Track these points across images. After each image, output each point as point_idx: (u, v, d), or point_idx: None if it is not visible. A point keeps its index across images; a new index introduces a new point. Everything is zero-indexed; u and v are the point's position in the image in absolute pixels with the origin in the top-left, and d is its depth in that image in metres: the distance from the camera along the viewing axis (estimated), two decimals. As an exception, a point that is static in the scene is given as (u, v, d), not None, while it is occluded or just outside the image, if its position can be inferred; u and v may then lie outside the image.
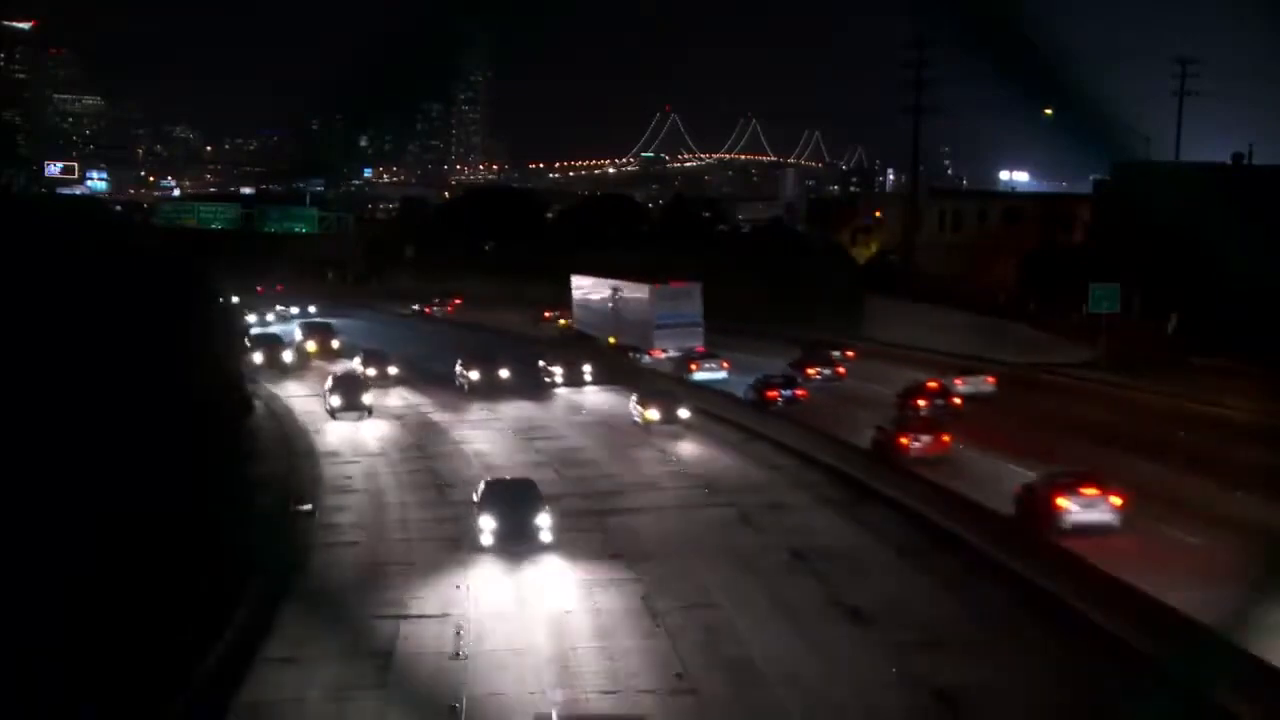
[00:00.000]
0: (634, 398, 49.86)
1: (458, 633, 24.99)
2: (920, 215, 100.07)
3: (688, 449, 44.86)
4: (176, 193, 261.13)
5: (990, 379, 54.05)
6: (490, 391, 57.23)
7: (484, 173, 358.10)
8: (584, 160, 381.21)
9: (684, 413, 47.57)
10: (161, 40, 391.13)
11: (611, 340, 73.05)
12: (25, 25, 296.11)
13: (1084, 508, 30.45)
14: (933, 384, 49.99)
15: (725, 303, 79.73)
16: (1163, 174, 67.83)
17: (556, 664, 23.18)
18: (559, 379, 60.64)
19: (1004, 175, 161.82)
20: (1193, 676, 19.18)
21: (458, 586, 28.14)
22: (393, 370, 62.51)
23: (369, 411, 51.66)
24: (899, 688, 21.90)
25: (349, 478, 40.90)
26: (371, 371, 60.98)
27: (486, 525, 30.81)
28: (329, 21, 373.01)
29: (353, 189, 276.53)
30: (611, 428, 49.26)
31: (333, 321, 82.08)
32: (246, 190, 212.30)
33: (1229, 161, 77.26)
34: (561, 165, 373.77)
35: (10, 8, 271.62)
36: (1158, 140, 79.82)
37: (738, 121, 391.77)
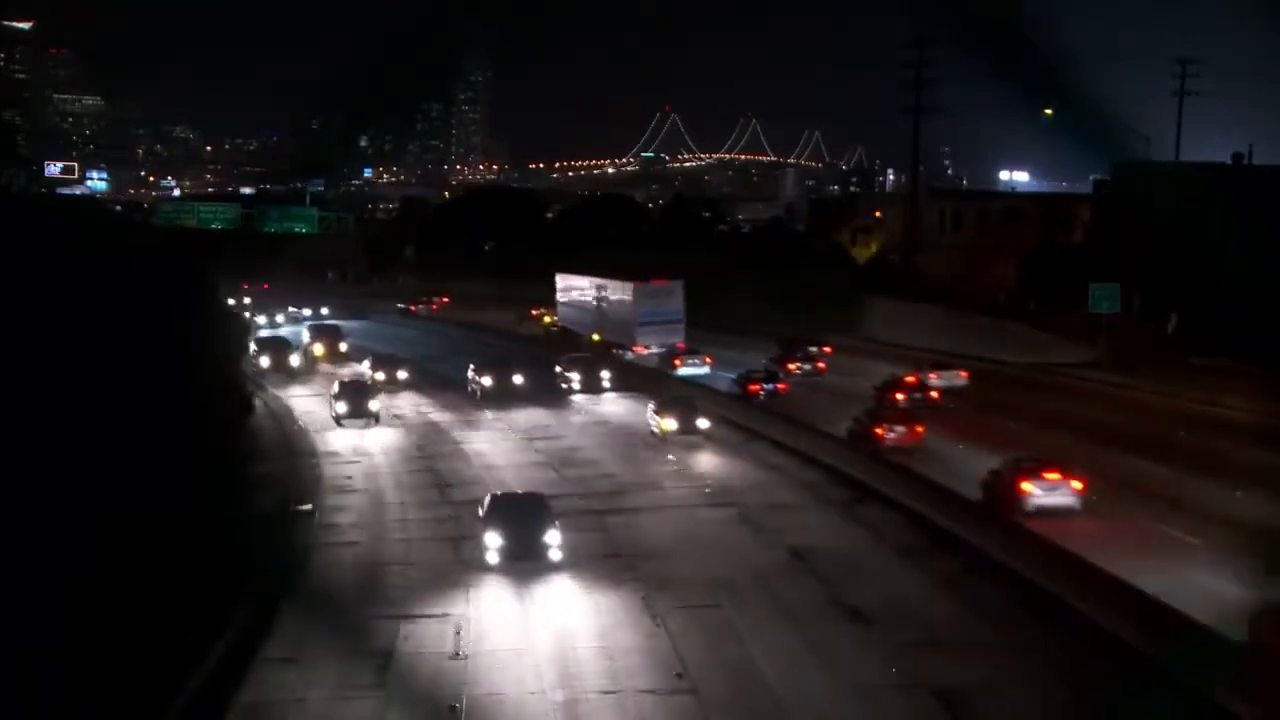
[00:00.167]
0: (651, 406, 47.53)
1: (457, 633, 24.98)
2: (920, 215, 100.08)
3: (688, 449, 44.75)
4: (176, 193, 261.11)
5: (963, 373, 56.22)
6: (504, 398, 55.16)
7: (484, 173, 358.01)
8: (584, 160, 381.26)
9: (703, 423, 45.22)
10: (161, 40, 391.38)
11: (595, 337, 74.40)
12: (25, 25, 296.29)
13: (1046, 491, 32.08)
14: (910, 378, 52.12)
15: (725, 303, 79.93)
16: (1163, 174, 67.83)
17: (556, 664, 23.18)
18: (576, 385, 58.48)
19: (1004, 175, 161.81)
20: (1193, 676, 19.17)
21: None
22: (402, 375, 61.17)
23: (376, 419, 49.97)
24: (899, 688, 21.90)
25: (349, 478, 40.92)
26: (380, 376, 59.75)
27: (492, 542, 29.00)
28: (329, 21, 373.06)
29: (353, 189, 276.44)
30: (625, 435, 47.76)
31: (341, 324, 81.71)
32: (246, 190, 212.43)
33: (1229, 161, 77.27)
34: (561, 165, 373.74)
35: (10, 8, 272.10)
36: (1158, 140, 79.91)
37: (738, 121, 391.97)
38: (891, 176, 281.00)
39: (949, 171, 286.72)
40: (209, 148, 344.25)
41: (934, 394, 51.30)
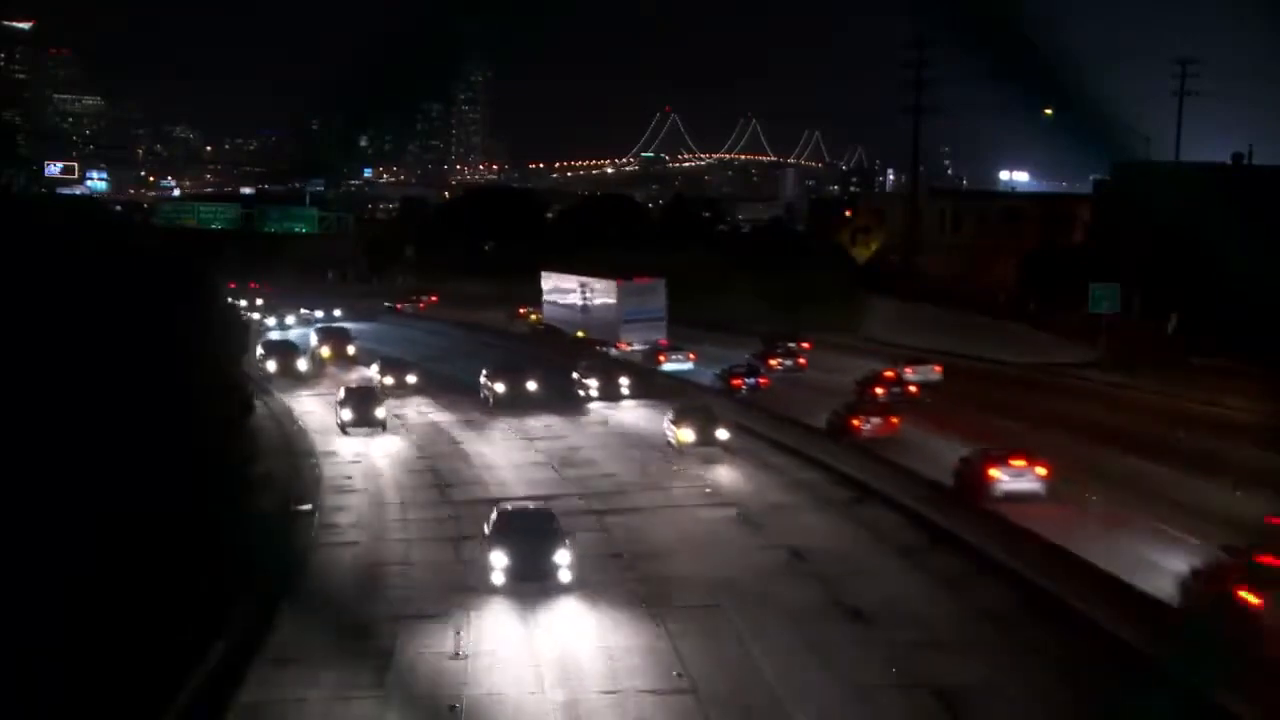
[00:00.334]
0: (669, 415, 45.27)
1: (457, 633, 24.97)
2: (920, 215, 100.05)
3: (689, 449, 44.63)
4: (176, 193, 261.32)
5: (937, 368, 57.61)
6: (516, 406, 53.21)
7: (484, 173, 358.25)
8: (584, 160, 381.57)
9: (723, 433, 43.14)
10: (161, 40, 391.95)
11: (580, 334, 75.46)
12: (25, 25, 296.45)
13: (1013, 477, 33.94)
14: (889, 373, 53.74)
15: (725, 303, 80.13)
16: (1163, 174, 67.83)
17: (556, 664, 23.17)
18: (594, 393, 56.31)
19: (1004, 175, 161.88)
20: (1193, 676, 19.17)
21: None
22: (411, 379, 59.22)
23: (383, 426, 48.15)
24: (899, 688, 21.90)
25: (349, 478, 40.91)
26: (389, 380, 58.22)
27: (498, 561, 27.33)
28: (329, 21, 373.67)
29: (353, 189, 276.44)
30: (637, 441, 46.82)
31: (350, 326, 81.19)
32: (246, 190, 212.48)
33: (1229, 161, 77.27)
34: (561, 165, 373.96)
35: (10, 8, 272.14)
36: (1158, 140, 79.87)
37: (738, 121, 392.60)
38: (891, 176, 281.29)
39: (949, 171, 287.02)
40: (209, 148, 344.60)
41: (913, 389, 52.50)
